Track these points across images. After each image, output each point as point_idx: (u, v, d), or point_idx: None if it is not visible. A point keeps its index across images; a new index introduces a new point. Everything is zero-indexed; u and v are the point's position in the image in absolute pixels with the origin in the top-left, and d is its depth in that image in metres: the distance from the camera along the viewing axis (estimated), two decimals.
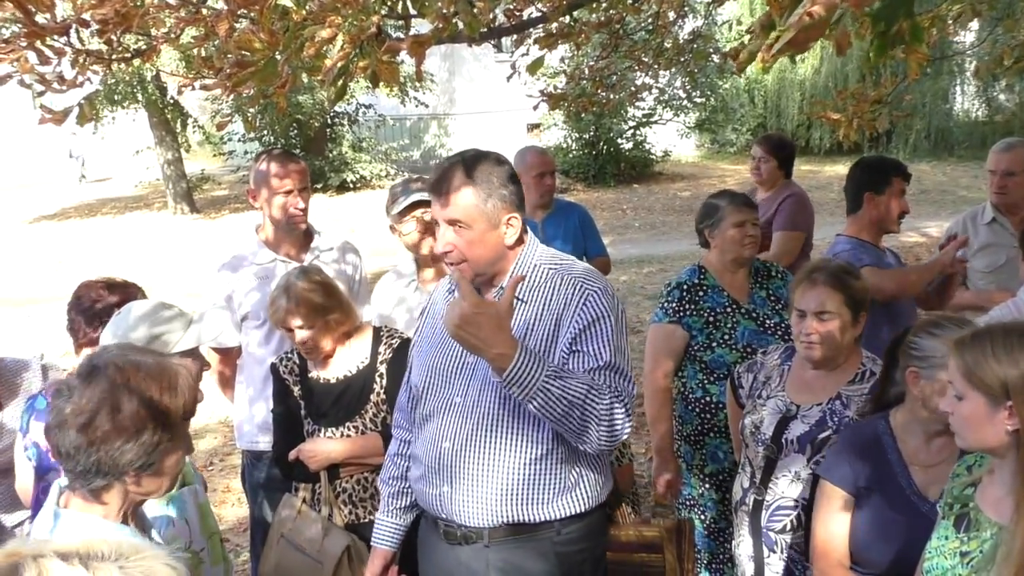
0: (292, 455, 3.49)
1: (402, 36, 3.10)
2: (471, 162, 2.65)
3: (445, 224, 2.66)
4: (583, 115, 17.38)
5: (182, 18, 3.09)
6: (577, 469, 2.70)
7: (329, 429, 3.54)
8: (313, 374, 3.59)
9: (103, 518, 2.03)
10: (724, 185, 18.71)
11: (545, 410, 2.45)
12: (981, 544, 2.20)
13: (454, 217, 2.63)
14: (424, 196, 3.80)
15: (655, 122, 21.22)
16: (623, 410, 2.55)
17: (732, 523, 3.59)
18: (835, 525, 2.82)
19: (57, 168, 27.27)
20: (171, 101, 19.89)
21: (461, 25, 3.11)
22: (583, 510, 2.71)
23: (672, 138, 22.49)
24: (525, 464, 2.64)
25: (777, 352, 3.50)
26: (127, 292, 3.61)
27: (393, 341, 3.64)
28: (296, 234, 4.09)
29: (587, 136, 21.13)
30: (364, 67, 2.81)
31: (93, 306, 3.46)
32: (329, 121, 22.02)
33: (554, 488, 2.66)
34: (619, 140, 21.30)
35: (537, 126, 22.70)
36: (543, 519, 2.66)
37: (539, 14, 4.49)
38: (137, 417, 1.99)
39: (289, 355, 3.65)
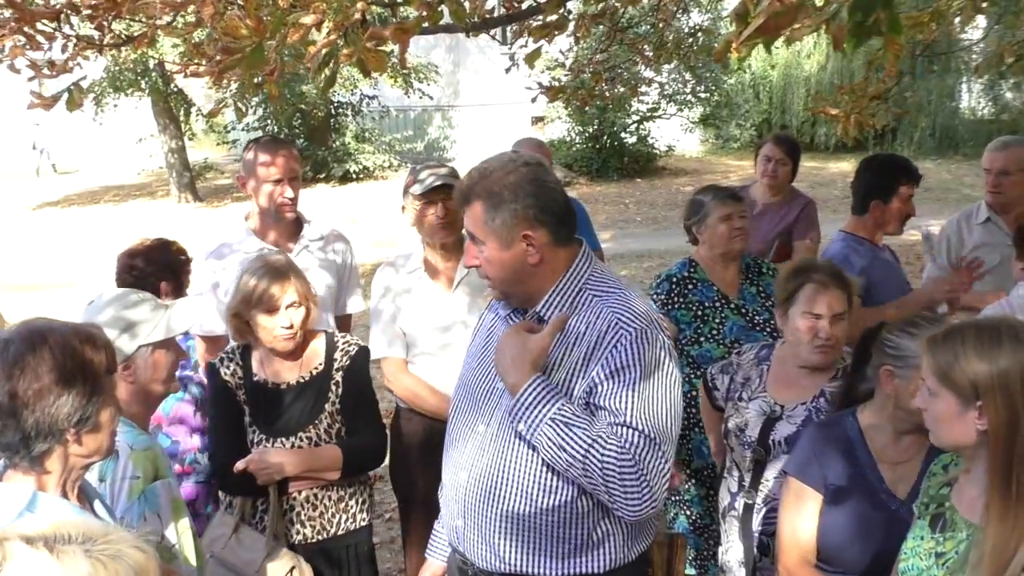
0: (240, 466, 3.19)
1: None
2: (486, 171, 2.45)
3: (468, 237, 2.51)
4: (586, 109, 17.31)
5: (167, 3, 3.07)
6: (604, 525, 2.46)
7: (279, 439, 3.30)
8: (260, 378, 3.36)
9: (40, 489, 2.03)
10: (728, 181, 18.63)
11: (548, 455, 2.33)
12: (957, 545, 2.18)
13: (470, 231, 2.47)
14: (445, 181, 3.71)
15: (659, 116, 21.13)
16: (637, 481, 2.27)
17: (716, 520, 3.56)
18: (803, 523, 2.78)
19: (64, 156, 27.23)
20: (175, 89, 19.84)
21: (448, 14, 3.09)
22: (605, 570, 2.47)
23: (676, 133, 22.40)
24: (540, 512, 2.42)
25: (752, 351, 3.46)
26: (164, 252, 3.87)
27: (350, 348, 3.46)
28: (285, 223, 4.05)
29: (591, 130, 21.06)
30: (349, 55, 2.78)
31: (130, 275, 3.55)
32: (333, 111, 21.96)
33: (573, 543, 2.44)
34: (623, 134, 21.22)
35: (541, 119, 22.62)
36: (559, 575, 2.46)
37: (534, 4, 4.46)
38: (64, 369, 2.01)
39: (230, 355, 3.42)
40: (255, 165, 3.93)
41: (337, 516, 3.41)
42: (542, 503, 2.42)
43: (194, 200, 20.62)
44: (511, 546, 2.46)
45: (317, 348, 3.43)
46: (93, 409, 2.06)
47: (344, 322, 4.32)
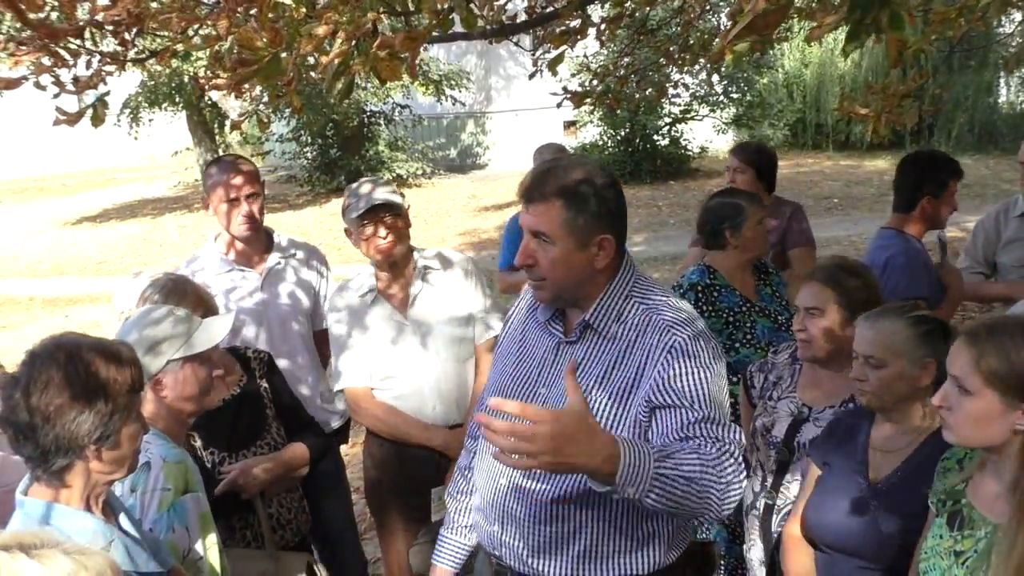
0: (224, 486, 3.20)
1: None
2: (567, 170, 2.42)
3: (529, 234, 2.44)
4: (618, 112, 17.25)
5: (184, 17, 3.10)
6: (648, 525, 2.45)
7: (240, 452, 3.34)
8: None
9: (65, 503, 2.06)
10: None
11: (663, 499, 2.04)
12: (976, 543, 2.13)
13: (539, 229, 2.40)
14: (383, 199, 3.64)
15: (691, 118, 21.01)
16: (733, 462, 2.21)
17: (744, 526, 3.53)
18: (803, 497, 2.92)
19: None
20: (209, 102, 20.05)
21: (459, 21, 3.09)
22: (650, 571, 2.46)
23: (709, 134, 22.26)
24: (582, 516, 2.41)
25: (787, 351, 3.44)
26: None
27: (261, 355, 3.55)
28: (254, 240, 4.04)
29: (623, 133, 20.99)
30: (362, 64, 2.79)
31: None
32: (365, 120, 22.08)
33: (618, 545, 2.43)
34: (655, 137, 21.12)
35: (574, 123, 22.61)
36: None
37: (554, 10, 4.45)
38: (87, 387, 2.04)
39: None
40: (215, 184, 3.94)
41: (302, 515, 3.54)
42: (583, 507, 2.40)
43: None
44: (558, 550, 2.45)
45: (230, 362, 3.47)
46: (114, 427, 2.09)
47: (325, 336, 4.27)
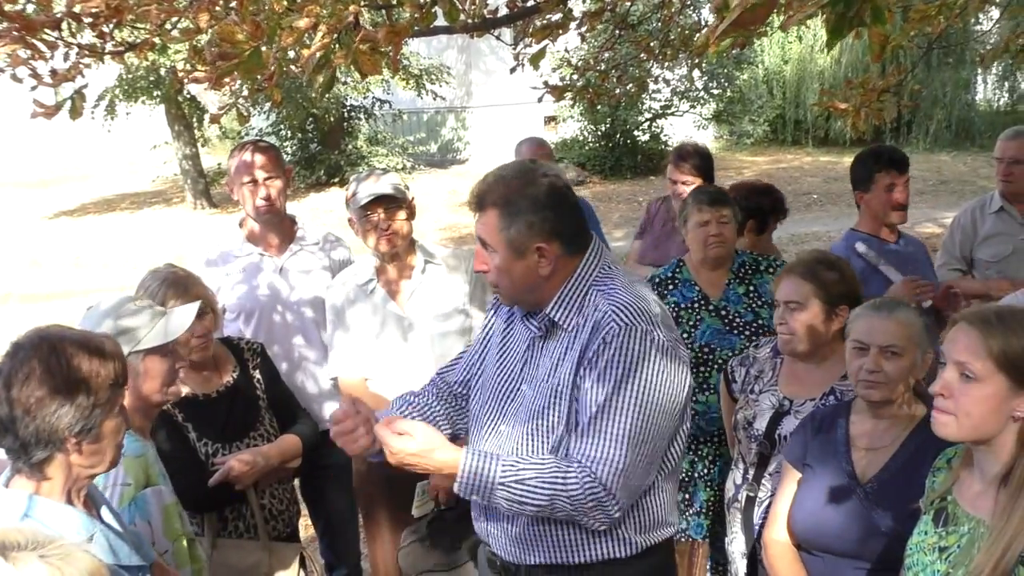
0: (218, 477, 3.19)
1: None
2: (505, 179, 2.46)
3: (479, 242, 2.50)
4: (598, 107, 17.25)
5: (164, 10, 3.07)
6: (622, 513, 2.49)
7: (234, 444, 3.33)
8: (186, 392, 3.27)
9: (46, 496, 2.06)
10: (740, 177, 18.56)
11: (515, 507, 2.41)
12: (959, 539, 2.13)
13: (482, 238, 2.47)
14: (386, 191, 3.65)
15: (672, 114, 21.04)
16: (595, 502, 2.36)
17: (725, 521, 3.54)
18: (783, 499, 2.89)
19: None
20: (188, 95, 19.90)
21: (441, 15, 3.08)
22: (629, 554, 2.52)
23: (689, 130, 22.27)
24: None
25: (769, 346, 3.45)
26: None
27: (254, 345, 3.56)
28: (278, 227, 4.03)
29: (603, 128, 20.99)
30: (343, 57, 2.78)
31: None
32: (345, 115, 21.96)
33: (594, 532, 2.48)
34: (635, 132, 21.14)
35: (554, 119, 22.58)
36: (581, 561, 2.51)
37: (535, 3, 4.45)
38: (69, 380, 2.03)
39: None
40: (236, 169, 3.95)
41: (294, 506, 3.58)
42: None
43: (209, 206, 20.66)
44: (537, 538, 2.53)
45: (223, 353, 3.49)
46: (96, 420, 2.08)
47: None
